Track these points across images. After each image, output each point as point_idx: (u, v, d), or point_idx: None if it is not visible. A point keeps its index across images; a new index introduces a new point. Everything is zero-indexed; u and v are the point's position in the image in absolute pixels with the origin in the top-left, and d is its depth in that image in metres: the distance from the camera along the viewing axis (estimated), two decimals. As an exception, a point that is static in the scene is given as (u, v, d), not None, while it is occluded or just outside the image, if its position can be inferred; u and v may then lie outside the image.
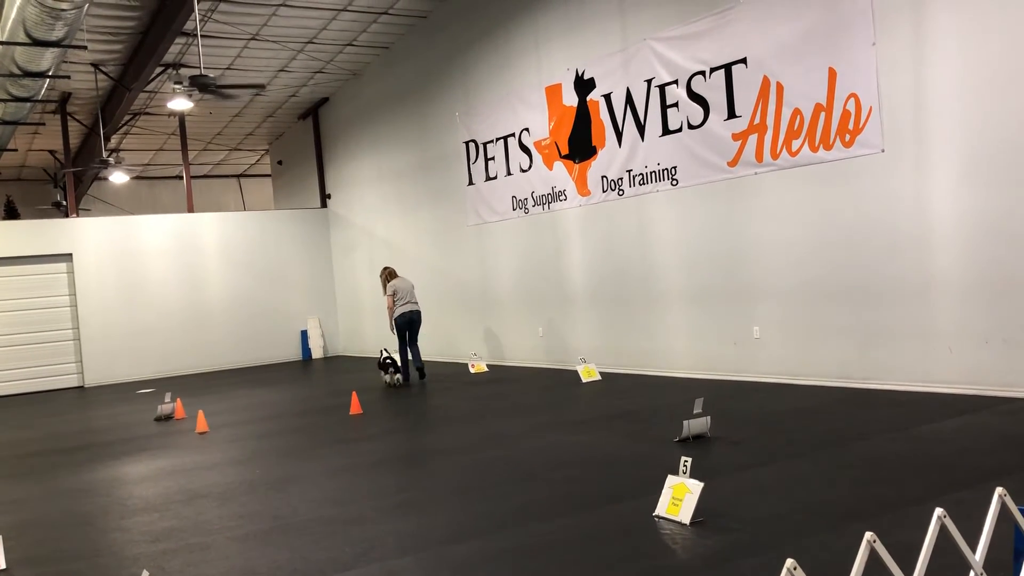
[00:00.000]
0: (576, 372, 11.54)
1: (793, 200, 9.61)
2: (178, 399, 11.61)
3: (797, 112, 9.37)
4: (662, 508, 4.94)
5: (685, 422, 6.96)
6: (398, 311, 12.90)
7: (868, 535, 2.47)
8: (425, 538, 4.96)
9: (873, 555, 2.59)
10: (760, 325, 10.09)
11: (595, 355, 12.34)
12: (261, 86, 13.85)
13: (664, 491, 5.00)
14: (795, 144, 9.44)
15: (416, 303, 13.12)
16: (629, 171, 11.65)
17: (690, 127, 10.67)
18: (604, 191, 12.12)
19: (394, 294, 12.95)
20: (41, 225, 17.58)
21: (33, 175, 23.78)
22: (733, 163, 10.18)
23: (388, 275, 13.33)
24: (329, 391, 12.83)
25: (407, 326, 12.98)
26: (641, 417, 8.37)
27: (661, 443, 6.95)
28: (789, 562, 2.33)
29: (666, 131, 11.00)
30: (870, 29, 8.58)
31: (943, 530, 2.66)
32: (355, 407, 10.22)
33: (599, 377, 11.38)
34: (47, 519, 6.23)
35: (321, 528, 5.35)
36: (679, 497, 4.86)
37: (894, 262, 8.64)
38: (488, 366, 13.91)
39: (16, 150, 20.09)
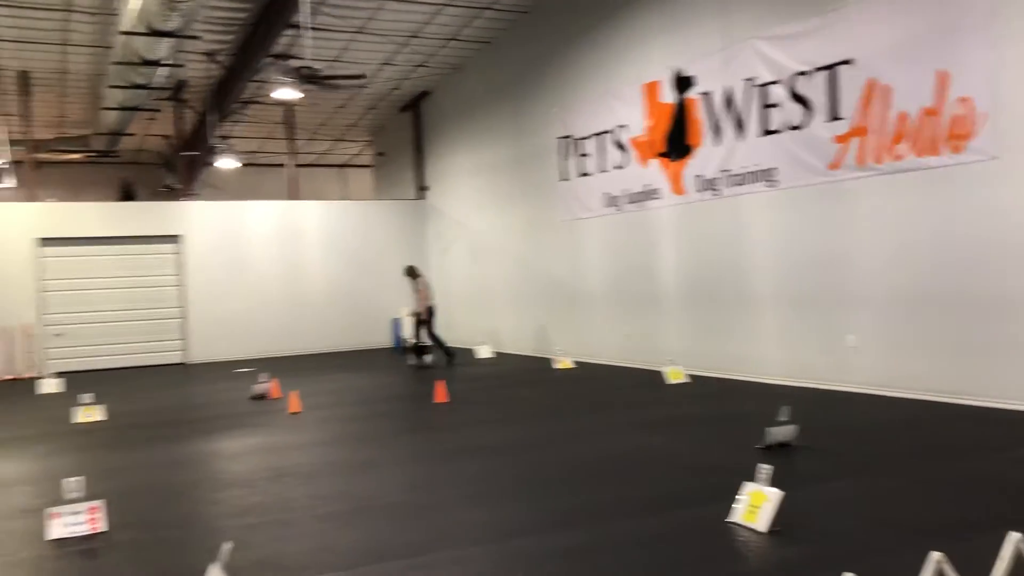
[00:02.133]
0: (662, 373, 11.43)
1: (895, 206, 9.29)
2: (274, 379, 11.99)
3: (903, 115, 9.05)
4: (738, 515, 4.88)
5: (769, 429, 6.84)
6: (430, 301, 14.91)
7: (936, 555, 2.40)
8: (496, 529, 5.02)
9: None
10: (855, 333, 9.80)
11: (683, 357, 12.20)
12: (362, 76, 14.14)
13: (741, 497, 4.93)
14: (899, 148, 9.12)
15: None
16: (726, 171, 11.47)
17: (791, 128, 10.43)
18: (699, 191, 11.96)
19: (427, 287, 14.93)
20: (153, 207, 18.41)
21: (149, 159, 24.87)
22: (834, 166, 9.91)
23: (417, 272, 15.15)
24: (416, 379, 13.05)
25: (433, 314, 14.96)
26: (725, 422, 8.25)
27: (743, 449, 6.83)
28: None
29: (765, 132, 10.78)
30: (989, 30, 8.22)
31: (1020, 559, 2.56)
32: (440, 396, 10.38)
33: (686, 379, 11.25)
34: (146, 487, 6.55)
35: (397, 512, 5.47)
36: (756, 504, 4.78)
37: (1000, 275, 8.27)
38: (574, 363, 13.91)
39: (134, 135, 21.07)
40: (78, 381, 14.70)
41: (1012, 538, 2.54)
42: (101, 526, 5.28)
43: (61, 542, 5.11)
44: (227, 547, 3.89)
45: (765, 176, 10.85)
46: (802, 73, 10.21)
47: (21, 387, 14.72)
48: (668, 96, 12.40)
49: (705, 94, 11.73)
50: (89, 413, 10.20)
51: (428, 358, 14.71)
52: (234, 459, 7.50)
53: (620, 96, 13.36)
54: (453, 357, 14.88)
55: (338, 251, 19.36)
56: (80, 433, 9.27)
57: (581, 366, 13.70)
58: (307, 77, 12.12)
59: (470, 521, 5.20)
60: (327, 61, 16.58)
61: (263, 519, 5.46)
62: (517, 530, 4.98)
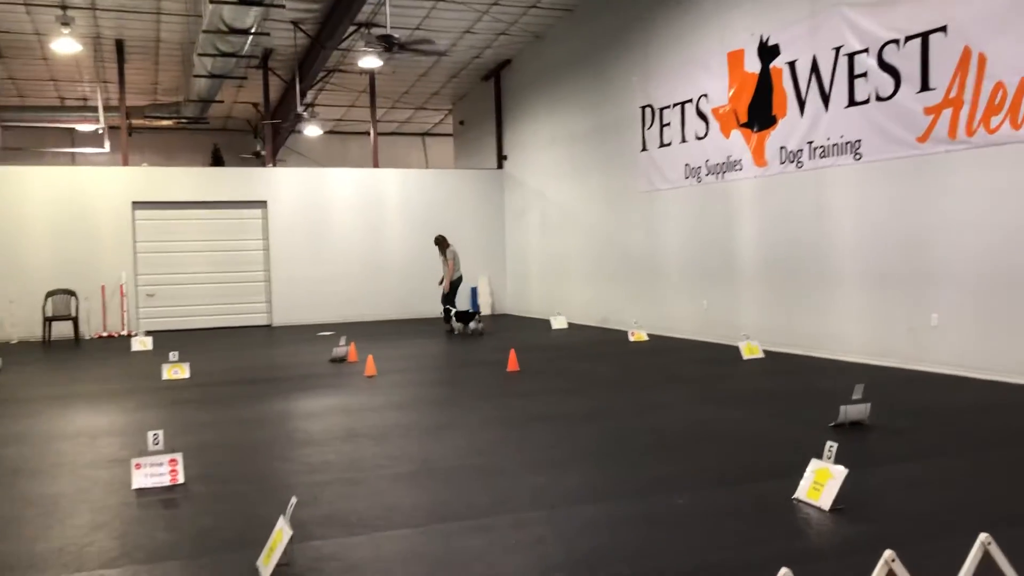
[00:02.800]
0: (738, 348, 11.28)
1: (987, 181, 8.93)
2: (352, 343, 12.26)
3: (1000, 86, 8.66)
4: (802, 492, 4.82)
5: (842, 407, 6.71)
6: (458, 273, 15.74)
7: (983, 537, 2.34)
8: (559, 496, 5.07)
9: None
10: (939, 313, 9.50)
11: (760, 332, 12.01)
12: (441, 51, 14.18)
13: (806, 474, 4.87)
14: (994, 121, 8.74)
15: None
16: (810, 143, 11.18)
17: (878, 99, 10.09)
18: (782, 162, 11.70)
19: (456, 258, 15.69)
20: (241, 173, 18.90)
21: (237, 126, 25.55)
22: (923, 139, 9.56)
23: (447, 242, 15.87)
24: (491, 347, 13.18)
25: (460, 284, 15.83)
26: (799, 399, 8.12)
27: (815, 427, 6.72)
28: (887, 553, 2.24)
29: (852, 102, 10.46)
30: (1092, -4, 7.79)
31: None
32: (512, 364, 10.47)
33: (762, 355, 11.09)
34: (223, 443, 6.81)
35: (463, 475, 5.57)
36: (821, 482, 4.72)
37: (1099, 254, 7.90)
38: (648, 335, 13.84)
39: (223, 102, 21.61)
40: (167, 340, 15.32)
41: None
42: (180, 478, 5.53)
43: (144, 491, 5.37)
44: (293, 501, 4.04)
45: (850, 148, 10.55)
46: (892, 41, 9.85)
47: (115, 344, 15.40)
48: (752, 65, 12.11)
49: (790, 63, 11.42)
50: (176, 371, 10.62)
51: (475, 324, 15.08)
52: (310, 419, 7.73)
53: (703, 65, 13.11)
54: (453, 332, 15.31)
55: (417, 219, 19.59)
56: (166, 389, 9.68)
57: (656, 339, 13.63)
58: (388, 45, 12.21)
59: (534, 487, 5.26)
60: (409, 29, 16.69)
61: (333, 477, 5.63)
62: (580, 498, 5.02)
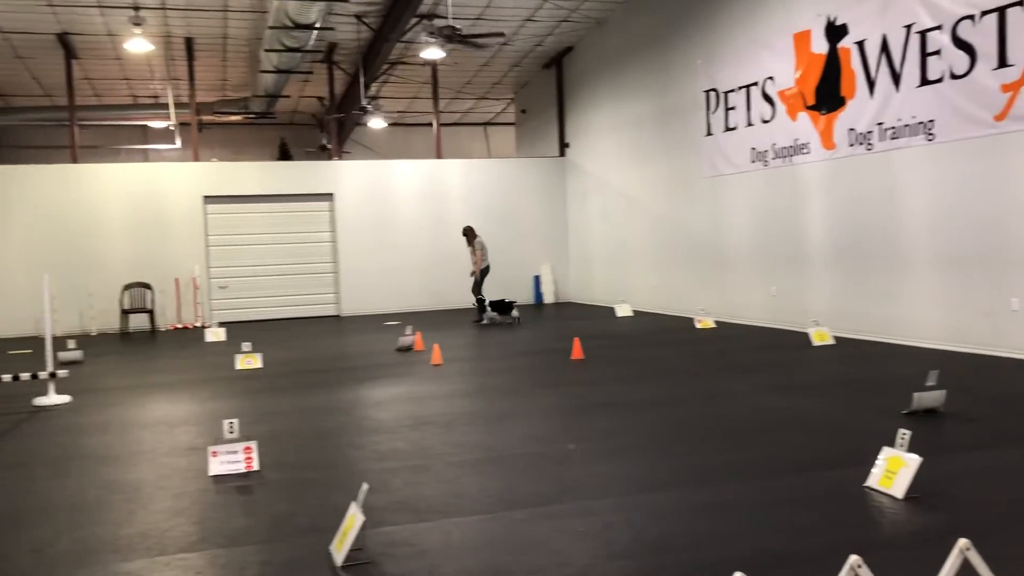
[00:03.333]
0: (807, 335, 11.10)
1: (1069, 160, 8.61)
2: (418, 332, 12.41)
3: (1081, 60, 8.34)
4: (874, 480, 4.74)
5: (916, 394, 6.56)
6: (486, 262, 15.89)
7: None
8: (626, 483, 5.07)
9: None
10: (1019, 296, 9.20)
11: (830, 318, 11.80)
12: (501, 35, 14.21)
13: (878, 462, 4.79)
14: (1076, 97, 8.42)
15: None
16: (880, 124, 10.91)
17: (952, 77, 9.79)
18: (851, 145, 11.44)
19: (483, 248, 15.79)
20: (308, 166, 19.23)
21: (303, 120, 25.96)
22: (1000, 117, 9.25)
23: (475, 233, 16.01)
24: (555, 335, 13.20)
25: (488, 274, 16.00)
26: (870, 386, 7.96)
27: (887, 414, 6.59)
28: (962, 542, 2.20)
29: (924, 81, 10.17)
30: None
31: None
32: (577, 352, 10.48)
33: (832, 341, 10.89)
34: (295, 431, 6.98)
35: (529, 463, 5.61)
36: (893, 470, 4.64)
37: None
38: (715, 322, 13.69)
39: (289, 97, 22.00)
40: (239, 331, 15.71)
41: None
42: (255, 465, 5.69)
43: (220, 478, 5.54)
44: (365, 488, 4.13)
45: (923, 129, 10.27)
46: (967, 17, 9.54)
47: (189, 335, 15.85)
48: (819, 46, 11.86)
49: (859, 43, 11.15)
50: (248, 361, 10.89)
51: (514, 313, 15.29)
52: (378, 407, 7.86)
53: (768, 46, 12.88)
54: (482, 321, 15.43)
55: (481, 208, 19.68)
56: (240, 379, 9.93)
57: (722, 326, 13.48)
58: (449, 36, 12.28)
59: (600, 474, 5.28)
60: (470, 19, 16.74)
61: (402, 464, 5.72)
62: (648, 486, 5.02)
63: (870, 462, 4.88)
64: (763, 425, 6.48)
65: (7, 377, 8.57)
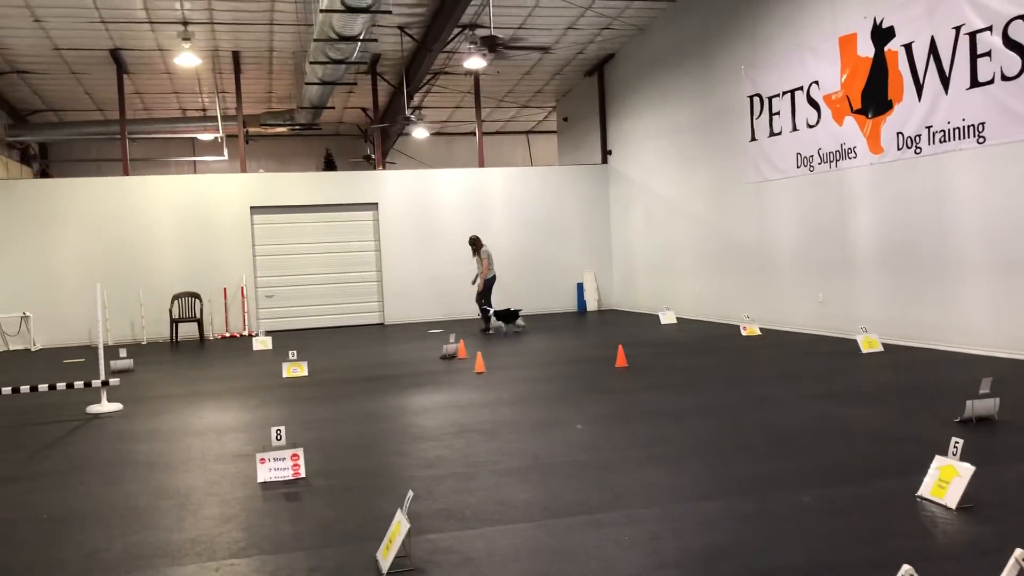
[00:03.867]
0: (856, 342, 10.94)
1: None
2: (461, 340, 12.45)
3: None
4: (926, 489, 4.65)
5: (968, 402, 6.43)
6: (492, 272, 15.86)
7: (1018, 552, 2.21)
8: (673, 492, 5.04)
9: None
10: (1076, 302, 8.97)
11: (879, 325, 11.61)
12: (546, 48, 14.23)
13: (930, 471, 4.70)
14: None
15: None
16: (929, 127, 10.73)
17: (1004, 79, 9.60)
18: (899, 149, 11.26)
19: (489, 257, 15.82)
20: (353, 176, 19.43)
21: (348, 131, 26.25)
22: (1054, 119, 9.04)
23: (480, 243, 16.08)
24: (598, 343, 13.16)
25: (494, 283, 16.07)
26: (921, 393, 7.82)
27: (939, 422, 6.47)
28: (1019, 552, 2.15)
29: (974, 83, 9.99)
30: None
31: None
32: (621, 360, 10.43)
33: (881, 348, 10.72)
34: (341, 438, 7.04)
35: (575, 471, 5.60)
36: (946, 479, 4.54)
37: None
38: (761, 330, 13.55)
39: (334, 108, 22.25)
40: (286, 339, 15.91)
41: None
42: (302, 472, 5.75)
43: (267, 485, 5.61)
44: (410, 495, 4.15)
45: (973, 132, 10.07)
46: (1019, 17, 9.35)
47: (237, 344, 16.08)
48: (865, 49, 11.71)
49: (906, 45, 10.99)
50: (295, 369, 11.01)
51: (520, 322, 15.38)
52: (422, 414, 7.90)
53: (813, 50, 12.75)
54: (488, 330, 15.54)
55: (523, 217, 19.73)
56: (286, 387, 10.05)
57: (768, 333, 13.33)
58: (491, 46, 12.34)
59: (646, 483, 5.25)
60: (512, 29, 16.81)
61: (447, 472, 5.75)
62: (695, 494, 4.98)
63: (922, 471, 4.80)
64: (811, 433, 6.40)
65: (61, 385, 8.78)
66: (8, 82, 18.78)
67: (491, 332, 15.45)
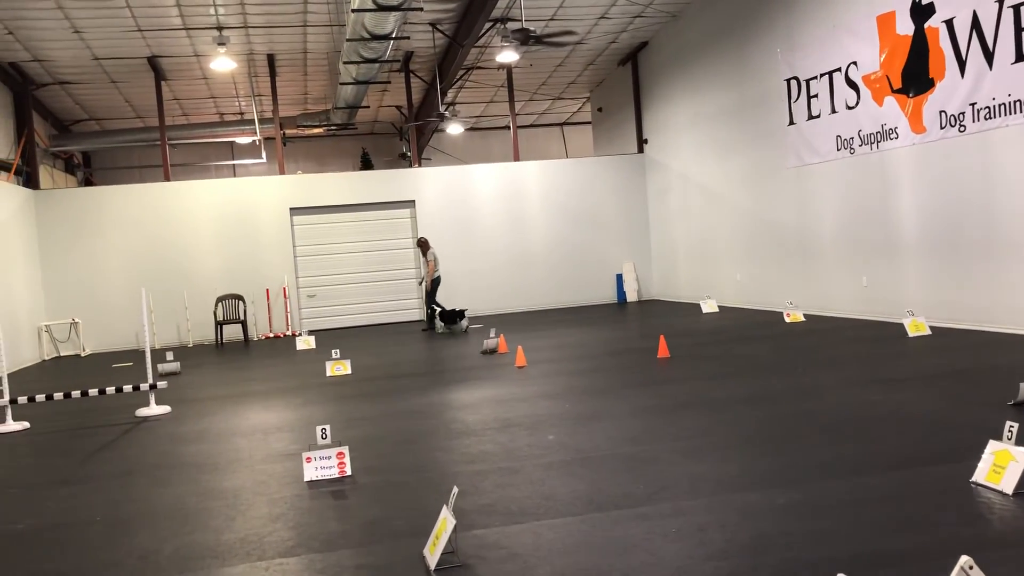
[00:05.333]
0: (902, 326, 10.75)
1: None
2: (501, 335, 12.45)
3: None
4: (981, 475, 4.55)
5: (1023, 384, 6.28)
6: (437, 273, 16.35)
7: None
8: (718, 483, 4.99)
9: None
10: None
11: (925, 308, 11.40)
12: (575, 34, 14.17)
13: (984, 457, 4.60)
14: None
15: None
16: (973, 104, 10.49)
17: (1050, 51, 9.35)
18: (942, 127, 11.03)
19: (435, 259, 16.26)
20: (389, 175, 19.51)
21: (383, 129, 26.37)
22: (1104, 91, 8.79)
23: (428, 244, 16.52)
24: (640, 334, 13.09)
25: (439, 284, 16.70)
26: (972, 377, 7.66)
27: (992, 406, 6.33)
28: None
29: (1020, 58, 9.74)
30: None
31: None
32: (663, 351, 10.36)
33: (929, 332, 10.52)
34: (385, 435, 7.08)
35: (619, 464, 5.57)
36: (1001, 465, 4.44)
37: None
38: (804, 316, 13.37)
39: (368, 107, 22.37)
40: (328, 338, 16.04)
41: None
42: (347, 470, 5.79)
43: (314, 483, 5.66)
44: (455, 491, 4.16)
45: (1020, 107, 9.82)
46: (1064, -12, 9.10)
47: (281, 344, 16.25)
48: (905, 27, 11.48)
49: (947, 21, 10.75)
50: (338, 367, 11.10)
51: (464, 323, 15.53)
52: (465, 410, 7.91)
53: (851, 30, 12.52)
54: (433, 329, 15.82)
55: (560, 209, 19.68)
56: (330, 385, 10.13)
57: (812, 319, 13.16)
58: (523, 38, 12.31)
59: (691, 474, 5.20)
60: (544, 21, 16.75)
61: (491, 467, 5.75)
62: (741, 485, 4.93)
63: (975, 456, 4.70)
64: (859, 420, 6.29)
65: (111, 389, 8.94)
66: (51, 93, 19.14)
67: (437, 331, 15.69)
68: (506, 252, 19.43)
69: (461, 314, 15.55)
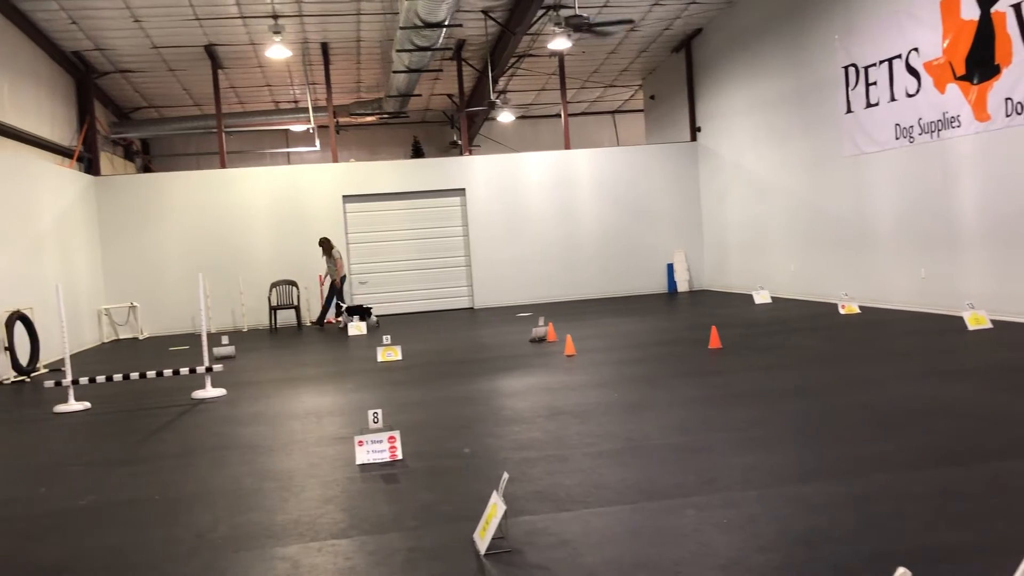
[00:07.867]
0: (962, 319, 10.50)
1: None
2: (550, 323, 12.45)
3: None
4: (1043, 472, 4.44)
5: (1088, 380, 6.10)
6: (343, 272, 17.05)
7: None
8: (770, 474, 4.94)
9: None
10: None
11: (986, 301, 11.12)
12: (630, 21, 14.04)
13: (1047, 453, 4.48)
14: None
15: None
16: (1040, 92, 10.18)
17: (1123, 36, 9.02)
18: (1008, 115, 10.72)
19: (341, 258, 16.99)
20: (441, 163, 19.60)
21: (434, 117, 26.47)
22: None
23: (331, 244, 17.10)
24: (691, 324, 12.98)
25: (344, 282, 17.39)
26: (1035, 371, 7.46)
27: (1055, 401, 6.16)
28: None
29: (1090, 43, 9.42)
30: None
31: None
32: (714, 341, 10.27)
33: (989, 325, 10.27)
34: (436, 421, 7.13)
35: (669, 454, 5.54)
36: (1065, 461, 4.32)
37: None
38: (860, 307, 13.14)
39: (420, 95, 22.46)
40: (380, 324, 16.18)
41: None
42: (398, 454, 5.85)
43: (366, 467, 5.73)
44: (505, 477, 4.17)
45: (1089, 94, 9.51)
46: None
47: (332, 330, 16.43)
48: (969, 11, 11.16)
49: (1015, 6, 10.43)
50: (389, 353, 11.20)
51: (373, 319, 16.14)
52: (514, 397, 7.93)
53: (912, 16, 12.22)
54: (344, 327, 16.04)
55: (611, 198, 19.58)
56: (381, 371, 10.24)
57: (868, 311, 12.92)
58: (576, 25, 12.23)
59: (742, 465, 5.16)
60: (597, 7, 16.63)
61: (540, 454, 5.76)
62: (793, 476, 4.87)
63: (1038, 453, 4.58)
64: (916, 413, 6.17)
65: (168, 372, 9.14)
66: (112, 81, 19.56)
67: (343, 326, 16.05)
68: (556, 241, 19.39)
69: (369, 310, 16.03)
